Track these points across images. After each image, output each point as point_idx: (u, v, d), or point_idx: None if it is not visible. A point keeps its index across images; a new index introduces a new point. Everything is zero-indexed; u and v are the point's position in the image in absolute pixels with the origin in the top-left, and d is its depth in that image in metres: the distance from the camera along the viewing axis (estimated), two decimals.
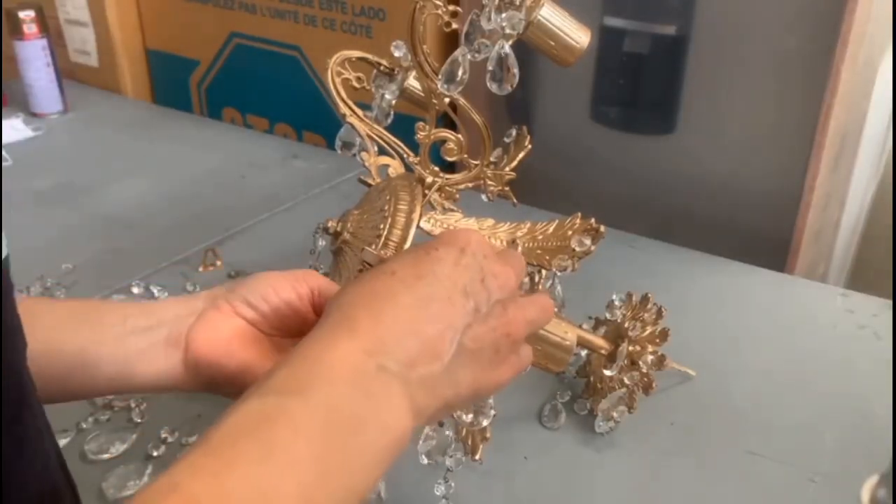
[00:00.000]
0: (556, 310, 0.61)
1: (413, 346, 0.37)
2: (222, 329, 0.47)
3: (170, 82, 1.43)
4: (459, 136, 0.59)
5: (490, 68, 0.51)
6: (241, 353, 0.46)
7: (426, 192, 0.60)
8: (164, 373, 0.46)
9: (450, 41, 0.58)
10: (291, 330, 0.49)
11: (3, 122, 1.21)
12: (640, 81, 0.97)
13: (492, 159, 0.61)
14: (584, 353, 0.67)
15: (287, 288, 0.48)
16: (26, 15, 1.21)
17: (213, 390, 0.47)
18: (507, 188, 0.62)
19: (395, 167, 0.64)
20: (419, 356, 0.37)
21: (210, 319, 0.47)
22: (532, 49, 0.53)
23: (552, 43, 0.53)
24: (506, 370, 0.42)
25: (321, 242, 0.61)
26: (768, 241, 0.93)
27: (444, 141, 0.59)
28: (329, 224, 0.58)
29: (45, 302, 0.54)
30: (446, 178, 0.61)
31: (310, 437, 0.33)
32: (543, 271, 0.60)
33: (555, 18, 0.52)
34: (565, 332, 0.54)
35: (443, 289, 0.39)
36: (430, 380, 0.38)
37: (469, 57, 0.51)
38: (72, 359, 0.45)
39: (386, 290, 0.39)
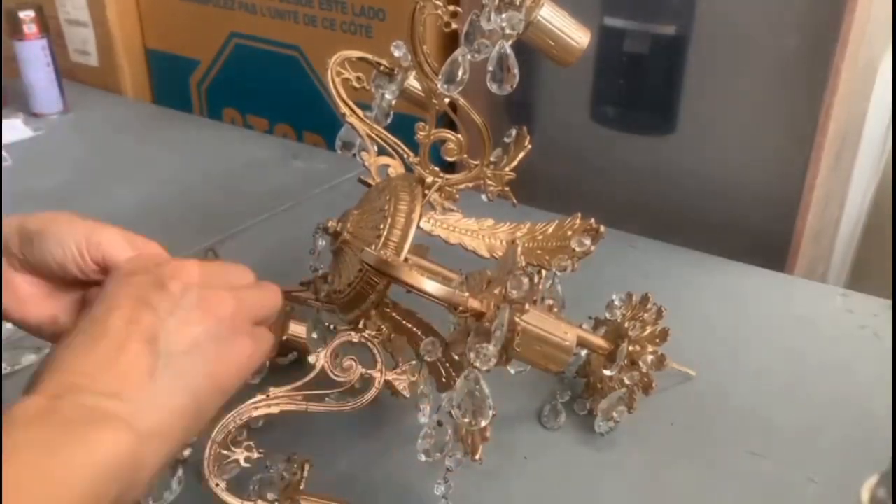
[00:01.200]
0: (556, 310, 0.61)
1: (109, 376, 0.37)
2: (12, 285, 0.46)
3: (170, 82, 1.43)
4: (459, 136, 0.58)
5: (490, 68, 0.51)
6: (34, 309, 0.46)
7: (426, 192, 0.60)
8: None
9: (450, 41, 0.58)
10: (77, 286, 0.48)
11: (3, 122, 1.21)
12: (640, 81, 0.97)
13: (492, 159, 0.61)
14: (584, 353, 0.67)
15: (79, 260, 0.46)
16: (26, 15, 1.21)
17: None
18: (506, 188, 0.62)
19: (395, 167, 0.64)
20: (121, 384, 0.37)
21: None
22: (532, 49, 0.53)
23: (552, 43, 0.52)
24: (240, 349, 0.42)
25: (321, 242, 0.61)
26: (768, 241, 0.93)
27: (444, 141, 0.59)
28: (329, 224, 0.58)
29: None
30: (446, 178, 0.61)
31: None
32: (543, 271, 0.60)
33: (555, 19, 0.52)
34: (565, 333, 0.54)
35: (121, 312, 0.39)
36: (145, 399, 0.37)
37: (469, 57, 0.51)
38: None
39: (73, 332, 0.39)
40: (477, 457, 0.50)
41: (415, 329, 0.58)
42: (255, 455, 0.54)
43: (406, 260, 0.56)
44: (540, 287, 0.60)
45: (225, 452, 0.53)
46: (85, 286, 0.48)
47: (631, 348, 0.62)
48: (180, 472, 0.58)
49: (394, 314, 0.58)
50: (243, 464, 0.54)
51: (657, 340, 0.63)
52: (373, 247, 0.55)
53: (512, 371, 0.64)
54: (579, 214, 0.62)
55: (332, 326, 0.59)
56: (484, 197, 0.62)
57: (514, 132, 0.62)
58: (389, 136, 0.62)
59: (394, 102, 0.62)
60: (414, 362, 0.59)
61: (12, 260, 0.46)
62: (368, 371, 0.57)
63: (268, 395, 0.55)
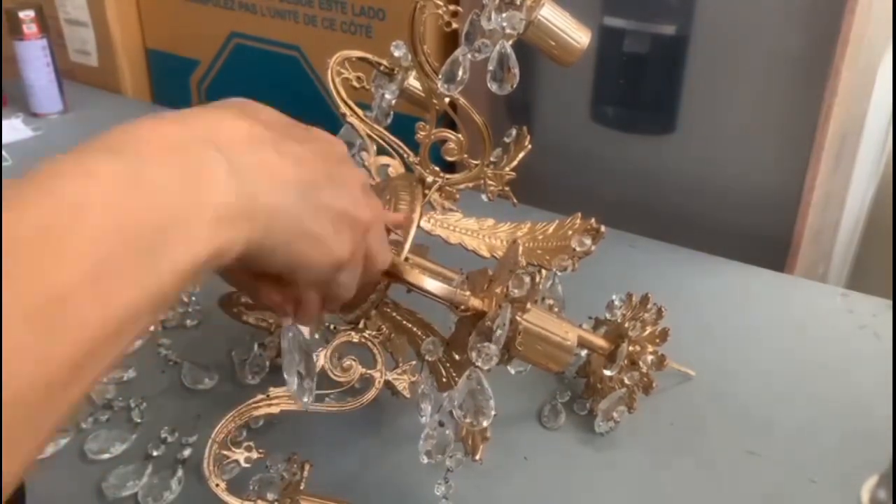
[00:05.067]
0: (556, 310, 0.61)
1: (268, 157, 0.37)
2: None
3: (170, 82, 1.43)
4: (459, 135, 0.58)
5: (490, 68, 0.51)
6: None
7: (426, 191, 0.60)
8: None
9: (450, 41, 0.58)
10: None
11: (3, 122, 1.21)
12: (640, 81, 0.97)
13: (492, 159, 0.61)
14: (584, 353, 0.67)
15: None
16: (26, 15, 1.20)
17: None
18: (507, 188, 0.62)
19: (395, 167, 0.64)
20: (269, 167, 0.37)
21: None
22: (532, 49, 0.53)
23: (552, 43, 0.52)
24: (342, 243, 0.40)
25: None
26: (768, 241, 0.93)
27: (444, 141, 0.59)
28: None
29: None
30: (446, 178, 0.61)
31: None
32: (543, 271, 0.60)
33: (555, 18, 0.52)
34: (566, 333, 0.54)
35: (318, 146, 0.42)
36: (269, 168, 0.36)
37: (469, 57, 0.51)
38: None
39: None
40: (477, 457, 0.50)
41: (415, 329, 0.58)
42: (255, 455, 0.54)
43: (406, 259, 0.56)
44: (540, 287, 0.60)
45: (225, 453, 0.53)
46: None
47: (631, 348, 0.62)
48: (180, 472, 0.59)
49: (394, 314, 0.58)
50: (243, 464, 0.54)
51: (657, 340, 0.63)
52: None
53: (512, 371, 0.64)
54: (579, 214, 0.62)
55: (332, 326, 0.59)
56: (484, 197, 0.62)
57: (514, 132, 0.62)
58: (389, 136, 0.62)
59: (394, 102, 0.62)
60: (414, 362, 0.59)
61: None
62: (368, 371, 0.57)
63: (268, 395, 0.55)
